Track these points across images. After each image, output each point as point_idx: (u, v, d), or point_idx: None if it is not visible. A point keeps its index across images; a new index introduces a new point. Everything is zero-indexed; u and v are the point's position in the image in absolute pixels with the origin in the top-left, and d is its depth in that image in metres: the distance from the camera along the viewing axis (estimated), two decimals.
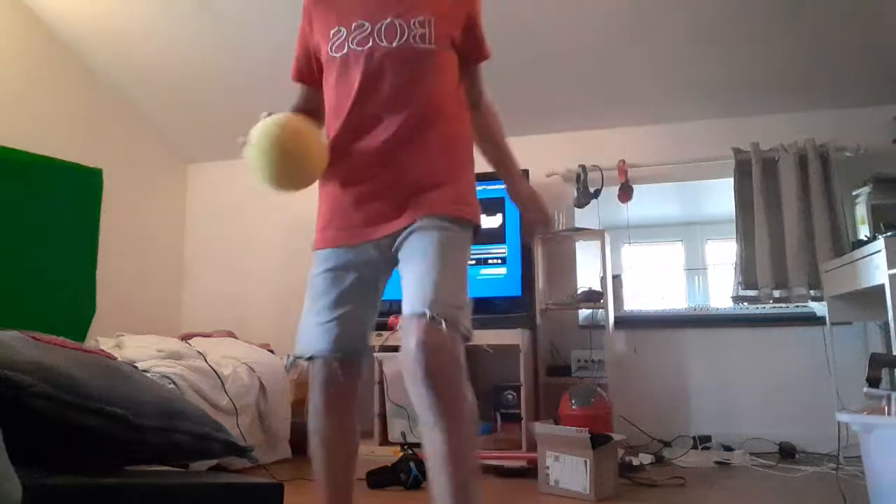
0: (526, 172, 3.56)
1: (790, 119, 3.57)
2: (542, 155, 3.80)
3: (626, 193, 3.58)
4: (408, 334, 1.27)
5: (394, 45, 1.39)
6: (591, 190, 3.61)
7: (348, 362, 1.43)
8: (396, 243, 1.40)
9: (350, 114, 1.42)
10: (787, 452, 3.13)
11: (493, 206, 3.59)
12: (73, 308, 3.27)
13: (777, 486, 2.58)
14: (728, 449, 3.19)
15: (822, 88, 3.44)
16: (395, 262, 1.42)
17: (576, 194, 3.63)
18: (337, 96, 1.45)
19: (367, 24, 1.42)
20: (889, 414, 1.91)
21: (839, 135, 3.41)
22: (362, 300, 1.45)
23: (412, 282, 1.33)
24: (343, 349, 1.42)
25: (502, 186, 3.32)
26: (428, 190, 1.39)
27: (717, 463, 2.99)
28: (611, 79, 3.53)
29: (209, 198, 4.49)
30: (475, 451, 1.33)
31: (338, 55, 1.44)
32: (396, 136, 1.38)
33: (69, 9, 3.34)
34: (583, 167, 3.63)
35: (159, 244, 4.27)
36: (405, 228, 1.38)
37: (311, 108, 1.53)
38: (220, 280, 4.33)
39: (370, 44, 1.41)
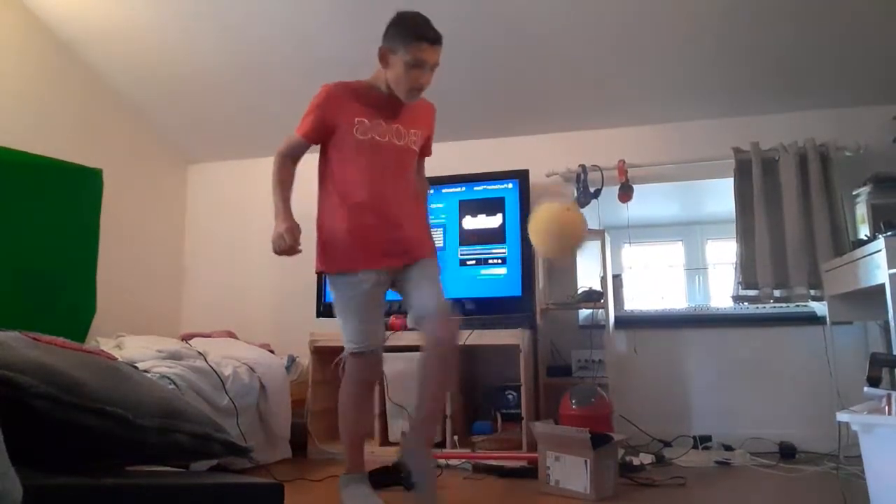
0: (526, 172, 3.59)
1: (790, 119, 3.57)
2: (542, 155, 3.81)
3: (626, 193, 3.58)
4: (442, 318, 2.06)
5: (400, 143, 2.17)
6: (592, 190, 3.61)
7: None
8: (402, 270, 2.15)
9: (374, 184, 2.12)
10: (787, 452, 3.13)
11: (493, 206, 3.60)
12: (74, 308, 3.27)
13: (777, 486, 2.59)
14: (728, 449, 3.20)
15: (822, 88, 3.44)
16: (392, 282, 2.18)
17: (576, 194, 3.63)
18: (361, 169, 2.12)
19: (383, 123, 2.14)
20: (889, 414, 1.90)
21: (839, 135, 3.42)
22: (383, 308, 2.19)
23: (430, 291, 2.11)
24: (382, 343, 2.19)
25: (502, 186, 3.52)
26: (423, 242, 2.22)
27: (718, 463, 2.99)
28: (611, 79, 3.53)
29: (209, 198, 4.49)
30: None
31: (364, 138, 2.11)
32: (401, 205, 2.16)
33: (69, 9, 3.34)
34: (583, 167, 3.63)
35: (159, 244, 4.27)
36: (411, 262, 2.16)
37: (300, 156, 2.20)
38: (220, 280, 4.33)
39: (387, 138, 2.14)
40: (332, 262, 2.14)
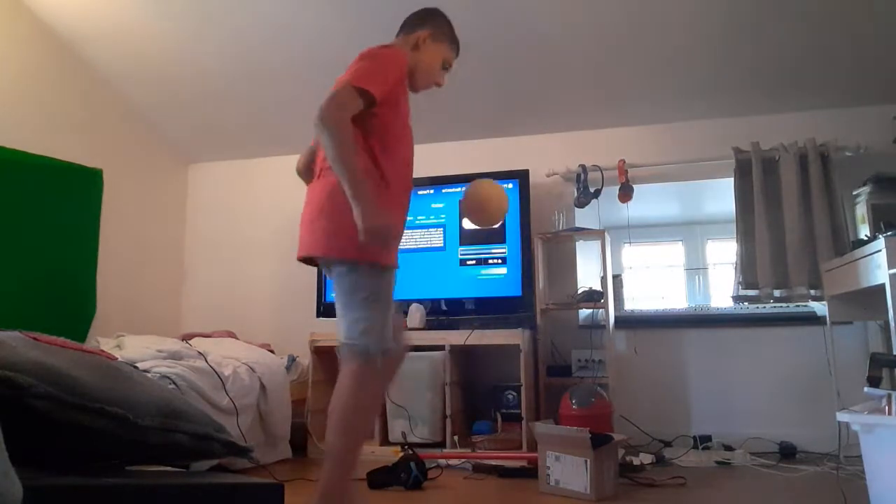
0: (526, 172, 3.59)
1: (790, 119, 3.57)
2: (542, 155, 3.81)
3: (626, 193, 3.58)
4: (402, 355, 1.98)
5: None
6: (592, 190, 3.61)
7: None
8: None
9: (407, 179, 1.95)
10: (787, 452, 3.13)
11: None
12: (74, 308, 3.28)
13: (777, 486, 2.58)
14: (728, 449, 3.19)
15: (822, 88, 3.44)
16: None
17: (576, 194, 3.63)
18: (404, 161, 1.93)
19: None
20: (889, 414, 1.91)
21: (839, 134, 3.41)
22: None
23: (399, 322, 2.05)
24: None
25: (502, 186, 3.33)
26: None
27: (718, 463, 2.99)
28: (611, 79, 3.53)
29: (209, 198, 4.49)
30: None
31: (409, 126, 1.95)
32: None
33: (69, 9, 3.34)
34: (583, 167, 3.63)
35: (159, 244, 4.27)
36: None
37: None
38: (220, 280, 4.33)
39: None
40: (383, 252, 1.79)
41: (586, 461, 2.30)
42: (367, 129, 1.80)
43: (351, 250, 1.76)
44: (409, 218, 2.02)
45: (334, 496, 1.70)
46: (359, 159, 1.71)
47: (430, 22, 2.04)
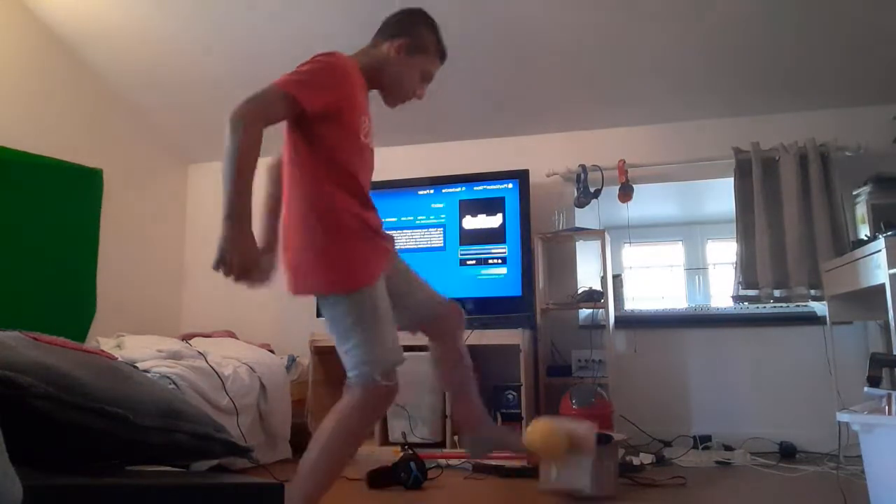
0: (526, 172, 3.59)
1: (790, 119, 3.57)
2: (542, 155, 3.81)
3: (626, 193, 3.58)
4: (454, 310, 2.04)
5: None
6: (592, 190, 3.61)
7: None
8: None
9: (365, 188, 1.75)
10: (787, 452, 3.13)
11: (493, 206, 3.60)
12: (74, 308, 3.28)
13: (777, 486, 2.58)
14: (728, 448, 3.20)
15: (822, 88, 3.44)
16: None
17: (576, 194, 3.63)
18: (361, 173, 1.72)
19: (369, 122, 1.75)
20: (889, 414, 1.91)
21: (839, 134, 3.41)
22: None
23: (427, 287, 1.98)
24: None
25: (502, 186, 3.50)
26: None
27: (718, 463, 2.99)
28: (611, 79, 3.53)
29: (209, 198, 4.49)
30: None
31: (366, 141, 1.73)
32: None
33: (69, 9, 3.34)
34: (583, 167, 3.63)
35: (159, 244, 4.27)
36: None
37: (273, 124, 1.59)
38: (221, 280, 4.31)
39: (372, 141, 1.77)
40: (355, 275, 1.67)
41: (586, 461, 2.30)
42: (307, 138, 1.65)
43: (322, 284, 1.74)
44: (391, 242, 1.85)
45: None
46: (247, 172, 1.47)
47: (410, 30, 1.80)
